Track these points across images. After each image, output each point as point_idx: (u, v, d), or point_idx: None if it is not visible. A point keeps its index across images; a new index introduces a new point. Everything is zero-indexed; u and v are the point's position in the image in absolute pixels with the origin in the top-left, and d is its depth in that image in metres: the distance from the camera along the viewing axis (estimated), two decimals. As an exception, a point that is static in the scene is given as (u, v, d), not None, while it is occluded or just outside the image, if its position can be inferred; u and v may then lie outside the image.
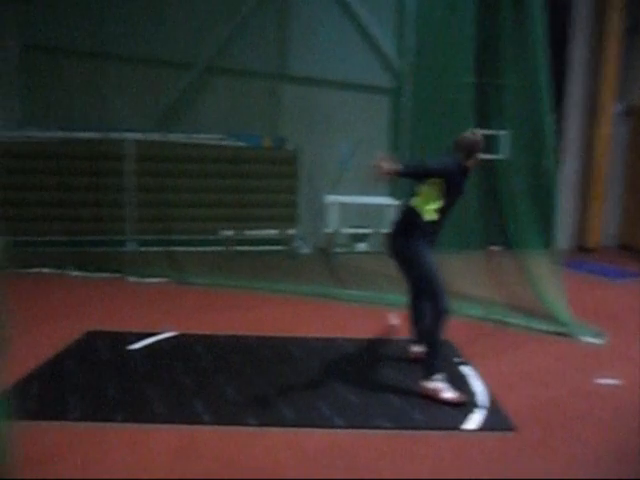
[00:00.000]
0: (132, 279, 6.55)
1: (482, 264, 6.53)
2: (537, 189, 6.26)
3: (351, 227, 9.25)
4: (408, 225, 3.42)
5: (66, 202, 8.25)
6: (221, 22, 8.85)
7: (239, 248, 8.65)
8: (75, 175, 8.21)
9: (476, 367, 3.76)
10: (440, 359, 3.31)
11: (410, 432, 2.84)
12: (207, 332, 4.46)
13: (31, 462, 2.43)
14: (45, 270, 6.91)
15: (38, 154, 8.20)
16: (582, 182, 10.18)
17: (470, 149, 3.53)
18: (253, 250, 8.79)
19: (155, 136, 8.54)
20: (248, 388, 3.34)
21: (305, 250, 8.99)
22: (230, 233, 8.56)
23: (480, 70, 8.18)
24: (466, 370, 3.73)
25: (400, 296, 4.10)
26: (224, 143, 8.75)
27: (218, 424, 2.86)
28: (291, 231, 8.88)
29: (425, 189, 3.41)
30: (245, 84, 8.99)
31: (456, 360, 3.91)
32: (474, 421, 2.95)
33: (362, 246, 9.35)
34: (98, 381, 3.39)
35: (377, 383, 3.49)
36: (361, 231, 9.28)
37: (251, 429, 2.82)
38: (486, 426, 2.90)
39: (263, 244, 8.89)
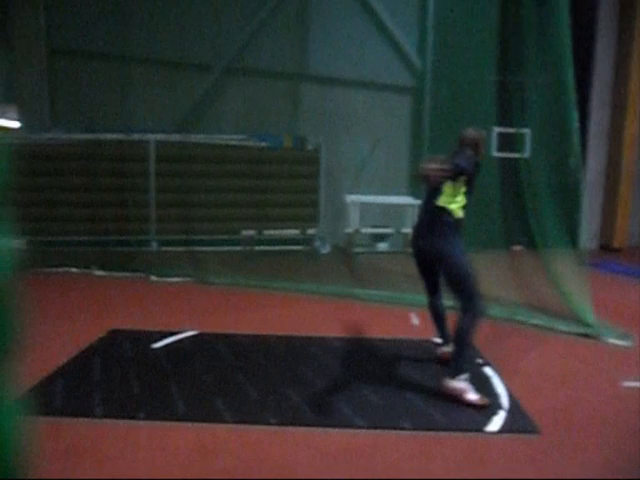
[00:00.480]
0: (154, 278, 6.63)
1: (505, 264, 6.44)
2: (561, 188, 6.16)
3: (371, 227, 9.22)
4: (440, 224, 3.38)
5: (91, 202, 8.39)
6: (241, 23, 8.91)
7: (260, 248, 8.69)
8: (100, 176, 8.35)
9: (499, 368, 3.71)
10: (468, 360, 3.28)
11: (432, 433, 2.81)
12: (228, 331, 4.49)
13: (55, 457, 2.48)
14: (72, 270, 7.03)
15: (64, 155, 8.37)
16: (607, 180, 9.97)
17: (478, 145, 3.52)
18: (274, 250, 8.82)
19: (177, 137, 8.64)
20: (268, 387, 3.35)
21: (325, 250, 8.99)
22: (251, 233, 8.60)
23: (502, 67, 8.08)
24: (489, 371, 3.68)
25: (420, 296, 4.07)
26: (245, 143, 8.80)
27: (238, 422, 2.87)
28: (311, 231, 8.89)
29: (449, 188, 3.38)
30: (265, 84, 9.03)
31: (479, 361, 3.87)
32: (496, 423, 2.91)
33: (382, 246, 9.31)
34: (121, 379, 3.44)
35: (398, 383, 3.47)
36: (381, 231, 9.24)
37: (271, 428, 2.83)
38: (509, 428, 2.86)
39: (283, 244, 8.91)
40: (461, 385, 3.17)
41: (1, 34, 8.74)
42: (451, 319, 3.95)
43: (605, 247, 9.79)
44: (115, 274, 6.84)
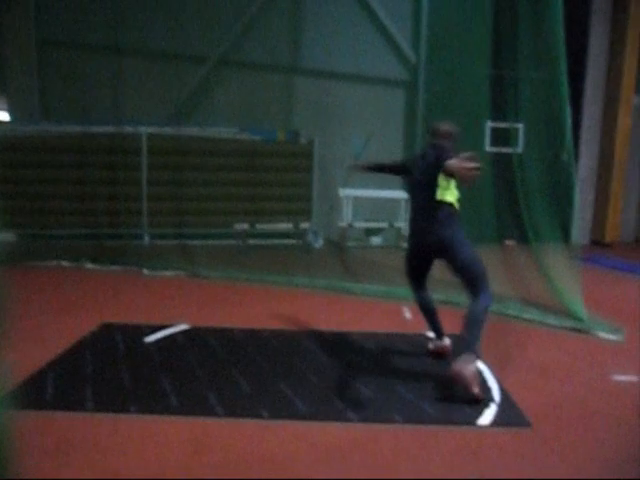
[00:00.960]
0: (147, 272, 6.60)
1: (497, 258, 6.46)
2: (554, 183, 6.18)
3: (365, 221, 9.22)
4: (445, 216, 3.41)
5: (82, 195, 8.34)
6: (235, 16, 8.85)
7: (252, 242, 8.67)
8: (92, 168, 8.30)
9: (490, 362, 3.73)
10: (479, 344, 3.21)
11: (424, 427, 2.82)
12: (220, 325, 4.48)
13: (45, 452, 2.46)
14: (63, 263, 6.98)
15: (55, 148, 8.30)
16: (600, 176, 10.03)
17: (455, 138, 3.61)
18: (266, 244, 8.81)
19: (170, 130, 8.58)
20: (261, 381, 3.35)
21: (318, 244, 8.98)
22: (244, 227, 8.58)
23: (496, 62, 8.08)
24: (480, 365, 3.69)
25: (414, 290, 4.07)
26: (238, 137, 8.77)
27: (231, 416, 2.87)
28: (304, 225, 8.88)
29: (444, 181, 3.41)
30: (259, 77, 8.99)
31: (470, 355, 3.88)
32: (488, 416, 2.92)
33: (376, 240, 9.32)
34: (113, 373, 3.42)
35: (391, 377, 3.47)
36: (375, 225, 9.24)
37: (264, 422, 2.83)
38: (500, 421, 2.87)
39: (276, 238, 8.91)
40: (472, 370, 3.06)
41: (-10, 24, 8.63)
42: (444, 314, 3.97)
43: (597, 242, 9.85)
44: (107, 268, 6.81)
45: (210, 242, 8.68)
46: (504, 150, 8.30)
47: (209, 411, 2.91)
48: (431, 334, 3.98)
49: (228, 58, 8.96)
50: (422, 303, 3.82)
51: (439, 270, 3.72)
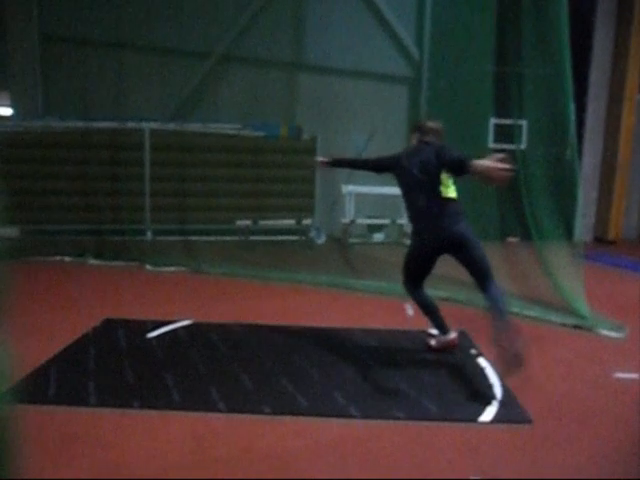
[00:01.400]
0: (149, 268, 6.61)
1: (500, 255, 6.45)
2: (557, 180, 6.16)
3: (367, 217, 9.21)
4: (453, 212, 3.46)
5: (85, 191, 8.35)
6: (237, 11, 8.83)
7: (255, 238, 8.68)
8: (94, 164, 8.30)
9: (492, 359, 3.73)
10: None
11: (425, 423, 2.82)
12: (223, 321, 4.48)
13: (48, 446, 2.48)
14: (66, 259, 7.00)
15: (58, 143, 8.30)
16: (603, 173, 9.99)
17: (442, 135, 3.72)
18: (269, 240, 8.81)
19: (172, 126, 8.58)
20: (263, 377, 3.35)
21: (321, 240, 8.98)
22: (246, 223, 8.59)
23: (500, 58, 8.05)
24: (482, 362, 3.70)
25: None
26: (241, 133, 8.76)
27: (233, 412, 2.87)
28: (307, 221, 8.87)
29: (445, 178, 3.48)
30: (262, 73, 8.97)
31: (472, 352, 3.88)
32: (490, 413, 2.92)
33: (378, 236, 9.31)
34: (115, 368, 3.43)
35: (392, 374, 3.48)
36: (377, 221, 9.23)
37: (265, 417, 2.83)
38: (502, 419, 2.87)
39: (279, 234, 8.91)
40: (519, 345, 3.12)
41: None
42: (445, 311, 3.97)
43: (600, 239, 9.83)
44: (110, 263, 6.82)
45: (213, 238, 8.69)
46: (507, 147, 8.27)
47: (211, 406, 2.92)
48: (434, 331, 3.98)
49: (231, 54, 8.94)
50: (424, 302, 3.82)
51: (440, 268, 3.72)
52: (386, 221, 9.10)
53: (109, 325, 4.29)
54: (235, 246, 8.32)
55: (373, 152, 9.70)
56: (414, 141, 3.76)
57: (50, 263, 6.82)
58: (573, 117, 5.07)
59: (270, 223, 8.76)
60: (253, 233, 8.70)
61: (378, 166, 3.95)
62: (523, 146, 8.27)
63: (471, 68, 8.59)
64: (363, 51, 9.24)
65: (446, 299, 5.02)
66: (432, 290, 4.07)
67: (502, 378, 3.35)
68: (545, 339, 4.30)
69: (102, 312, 4.59)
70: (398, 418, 2.85)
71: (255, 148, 8.80)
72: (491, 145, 9.05)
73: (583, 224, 8.29)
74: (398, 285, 3.84)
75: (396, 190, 9.27)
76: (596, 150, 9.96)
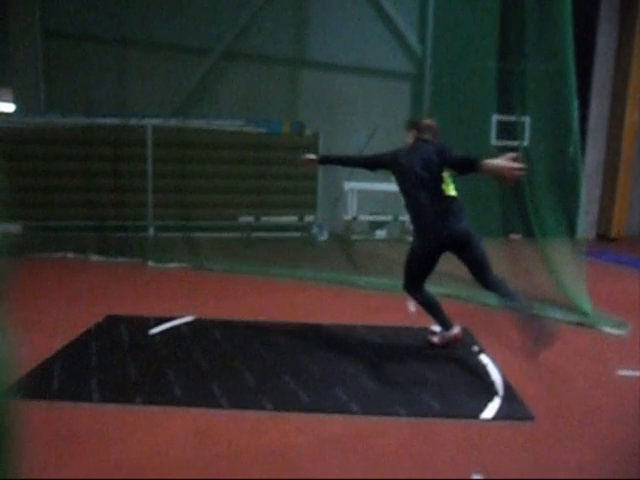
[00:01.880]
0: (152, 264, 6.62)
1: (502, 252, 6.44)
2: (560, 177, 6.14)
3: (369, 214, 9.20)
4: (456, 209, 3.50)
5: (88, 187, 8.35)
6: (240, 7, 8.81)
7: (257, 234, 8.68)
8: (97, 161, 8.30)
9: (494, 356, 3.73)
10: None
11: (427, 420, 2.83)
12: (225, 317, 4.49)
13: (51, 441, 2.48)
14: (69, 255, 7.01)
15: (60, 140, 8.30)
16: (606, 170, 9.96)
17: (437, 133, 3.72)
18: (271, 236, 8.81)
19: (175, 122, 8.57)
20: (265, 373, 3.36)
21: (323, 237, 8.98)
22: (249, 219, 8.59)
23: (503, 54, 8.02)
24: (484, 358, 3.70)
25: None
26: (243, 129, 8.75)
27: (235, 408, 2.88)
28: (309, 218, 8.87)
29: (446, 177, 3.52)
30: (264, 69, 8.95)
31: (474, 349, 3.88)
32: (492, 410, 2.92)
33: (380, 233, 9.31)
34: (118, 364, 3.44)
35: (394, 370, 3.48)
36: (379, 218, 9.23)
37: (267, 413, 2.84)
38: (504, 415, 2.87)
39: (281, 231, 8.90)
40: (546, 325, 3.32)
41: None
42: (447, 309, 3.97)
43: (602, 236, 9.80)
44: (112, 259, 6.83)
45: (215, 234, 8.69)
46: (510, 143, 8.25)
47: (213, 403, 2.93)
48: (436, 328, 3.98)
49: (233, 50, 8.92)
50: (427, 302, 3.82)
51: (440, 265, 3.72)
52: (388, 218, 9.09)
53: (112, 321, 4.30)
54: (237, 243, 8.32)
55: (375, 148, 9.71)
56: (410, 139, 3.72)
57: (53, 259, 6.83)
58: (576, 114, 5.05)
59: (272, 220, 8.76)
60: (255, 230, 8.70)
61: (372, 163, 3.90)
62: (526, 143, 8.25)
63: (474, 64, 8.56)
64: (365, 47, 9.21)
65: (448, 296, 5.02)
66: (433, 287, 4.07)
67: (504, 375, 3.35)
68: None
69: (105, 308, 4.60)
70: (400, 414, 2.85)
71: (257, 144, 8.79)
72: (494, 142, 9.03)
73: (586, 221, 8.28)
74: (400, 282, 3.84)
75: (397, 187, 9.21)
76: (599, 147, 9.92)
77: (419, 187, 3.52)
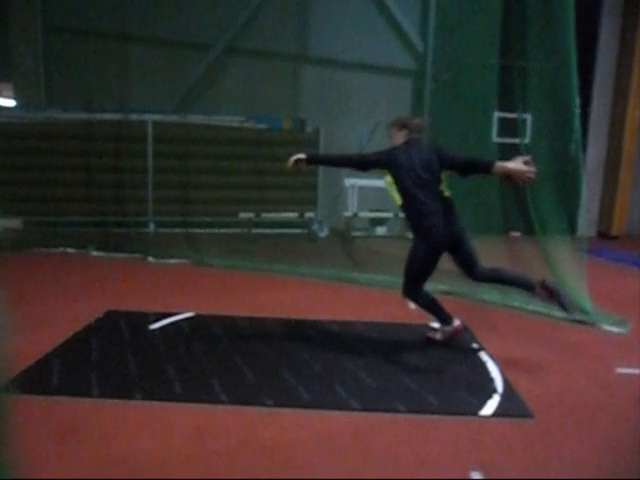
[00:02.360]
0: (152, 260, 6.62)
1: (502, 250, 6.44)
2: (561, 174, 6.13)
3: (370, 211, 9.20)
4: (452, 210, 3.58)
5: (88, 183, 8.35)
6: (241, 3, 8.78)
7: (257, 231, 8.68)
8: (97, 156, 8.29)
9: (494, 353, 3.73)
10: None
11: (426, 416, 2.83)
12: (225, 313, 4.50)
13: (50, 437, 2.49)
14: (69, 250, 7.02)
15: (61, 135, 8.29)
16: (607, 168, 9.95)
17: (422, 132, 3.84)
18: (271, 233, 8.81)
19: (175, 118, 8.56)
20: (265, 369, 3.37)
21: (323, 233, 8.98)
22: (249, 215, 8.58)
23: (505, 51, 8.00)
24: (484, 356, 3.70)
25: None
26: (244, 125, 8.73)
27: (235, 404, 2.89)
28: (310, 214, 8.87)
29: (443, 178, 3.57)
30: (265, 65, 8.94)
31: (473, 346, 3.88)
32: (491, 407, 2.93)
33: (381, 230, 9.31)
34: (118, 359, 3.44)
35: (394, 367, 3.49)
36: (380, 215, 9.23)
37: (267, 409, 2.84)
38: (503, 412, 2.88)
39: (282, 227, 8.90)
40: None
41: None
42: (448, 307, 3.97)
43: (603, 234, 9.80)
44: (112, 255, 6.83)
45: (215, 230, 8.69)
46: (511, 141, 8.24)
47: (213, 398, 2.93)
48: (435, 324, 3.99)
49: (234, 46, 8.90)
50: (427, 303, 3.82)
51: (440, 263, 3.73)
52: (389, 214, 9.08)
53: (112, 316, 4.31)
54: (238, 239, 8.32)
55: (376, 145, 9.70)
56: (401, 139, 3.67)
57: (53, 255, 6.84)
58: (578, 111, 5.03)
59: (273, 216, 8.76)
60: (256, 226, 8.70)
61: (363, 163, 3.80)
62: (527, 140, 8.23)
63: (475, 61, 8.53)
64: (367, 43, 9.19)
65: (447, 293, 5.03)
66: (433, 284, 4.07)
67: (503, 371, 3.36)
68: (546, 333, 4.30)
69: (105, 304, 4.60)
70: (399, 411, 2.86)
71: (258, 140, 8.78)
72: (495, 139, 9.01)
73: (586, 219, 8.27)
74: (400, 278, 3.83)
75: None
76: (600, 144, 9.90)
77: (421, 188, 3.50)
